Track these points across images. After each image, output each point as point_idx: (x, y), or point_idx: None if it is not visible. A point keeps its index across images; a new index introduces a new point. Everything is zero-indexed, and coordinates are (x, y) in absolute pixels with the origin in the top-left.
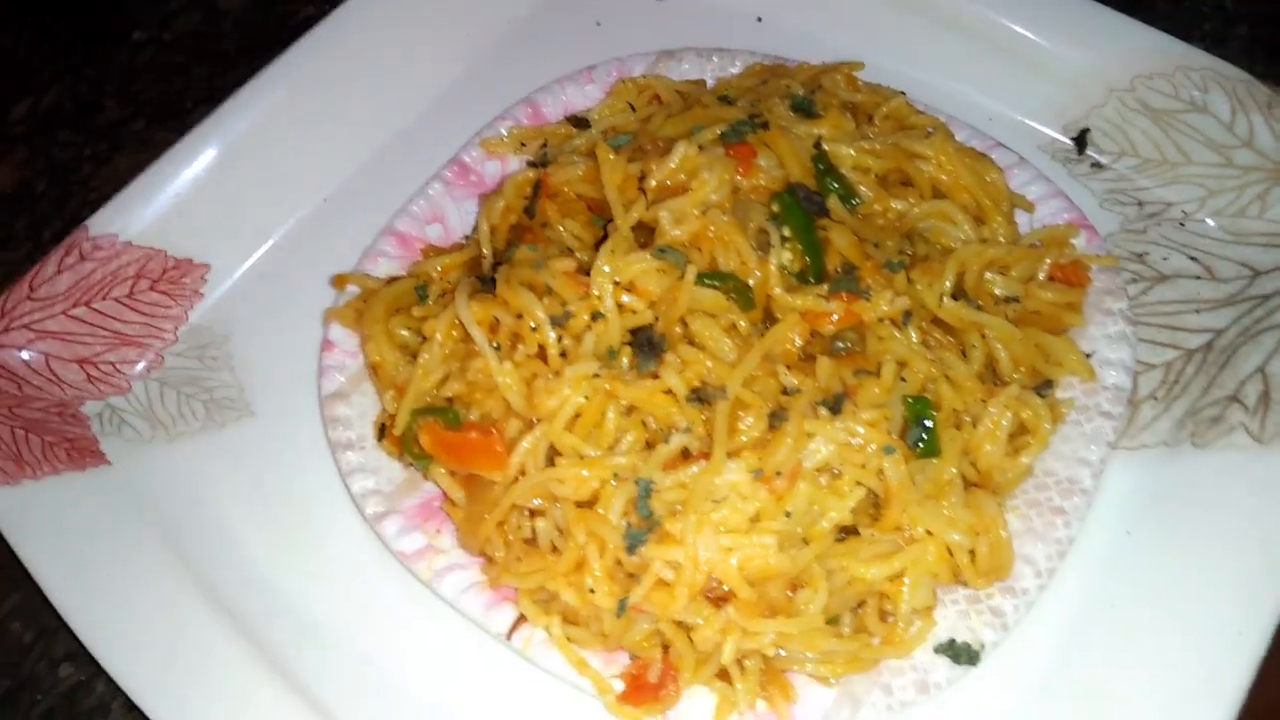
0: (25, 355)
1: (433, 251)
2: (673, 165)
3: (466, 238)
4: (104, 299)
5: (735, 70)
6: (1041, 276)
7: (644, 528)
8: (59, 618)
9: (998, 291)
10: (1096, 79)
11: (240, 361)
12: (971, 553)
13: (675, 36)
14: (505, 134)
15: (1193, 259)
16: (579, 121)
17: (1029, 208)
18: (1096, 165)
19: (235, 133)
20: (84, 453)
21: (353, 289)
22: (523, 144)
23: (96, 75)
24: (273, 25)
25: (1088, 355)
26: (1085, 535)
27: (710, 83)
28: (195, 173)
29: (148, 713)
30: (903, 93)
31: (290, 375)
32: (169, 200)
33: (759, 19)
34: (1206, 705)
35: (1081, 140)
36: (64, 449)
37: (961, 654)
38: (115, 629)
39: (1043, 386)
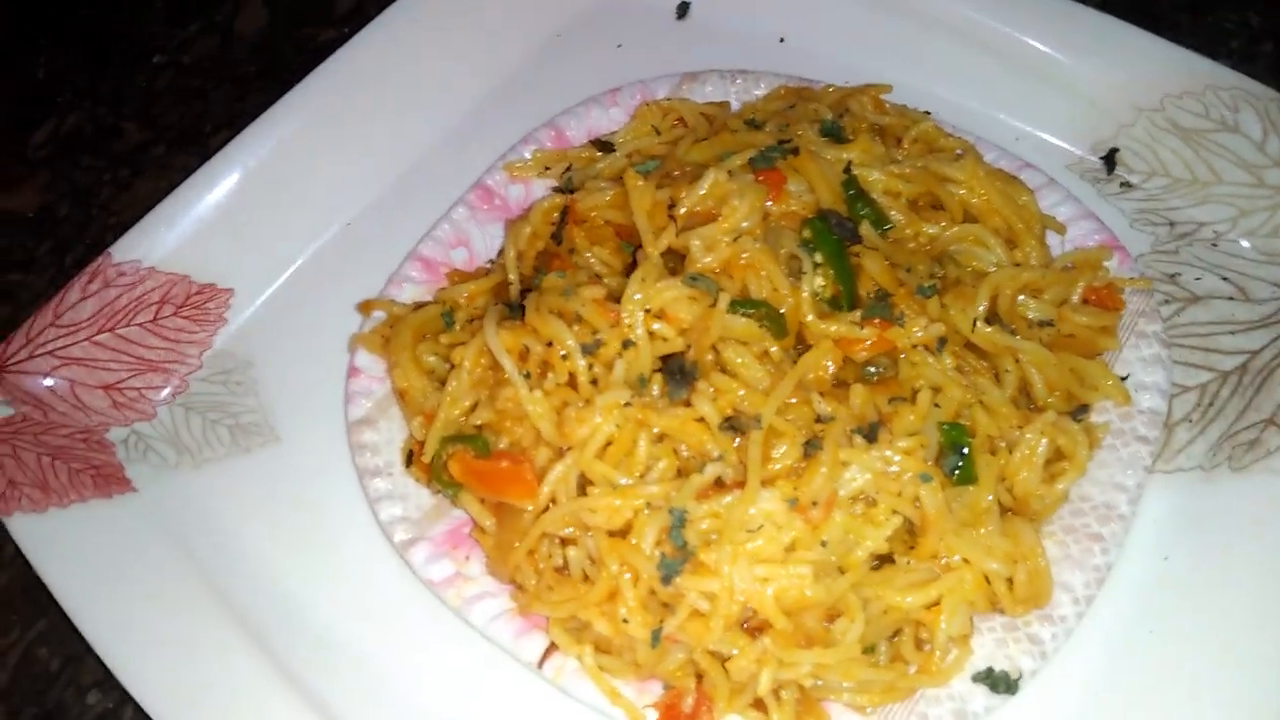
0: (50, 382)
1: (458, 276)
2: (702, 192)
3: (491, 262)
4: (128, 325)
5: (759, 92)
6: (1075, 299)
7: (678, 558)
8: (86, 645)
9: (1031, 315)
10: (1125, 98)
11: (265, 387)
12: (1009, 580)
13: (698, 58)
14: (529, 157)
15: (1225, 280)
16: (603, 145)
17: (1060, 230)
18: (1126, 185)
19: (257, 157)
20: (110, 480)
21: (378, 314)
22: (547, 167)
23: (116, 99)
24: (291, 49)
25: (1122, 379)
26: (1123, 561)
27: (734, 105)
28: (218, 198)
29: None
30: (929, 114)
31: (316, 401)
32: (192, 226)
33: (781, 40)
34: None
35: (1111, 160)
36: (90, 476)
37: (999, 683)
38: (143, 656)
39: (1078, 411)
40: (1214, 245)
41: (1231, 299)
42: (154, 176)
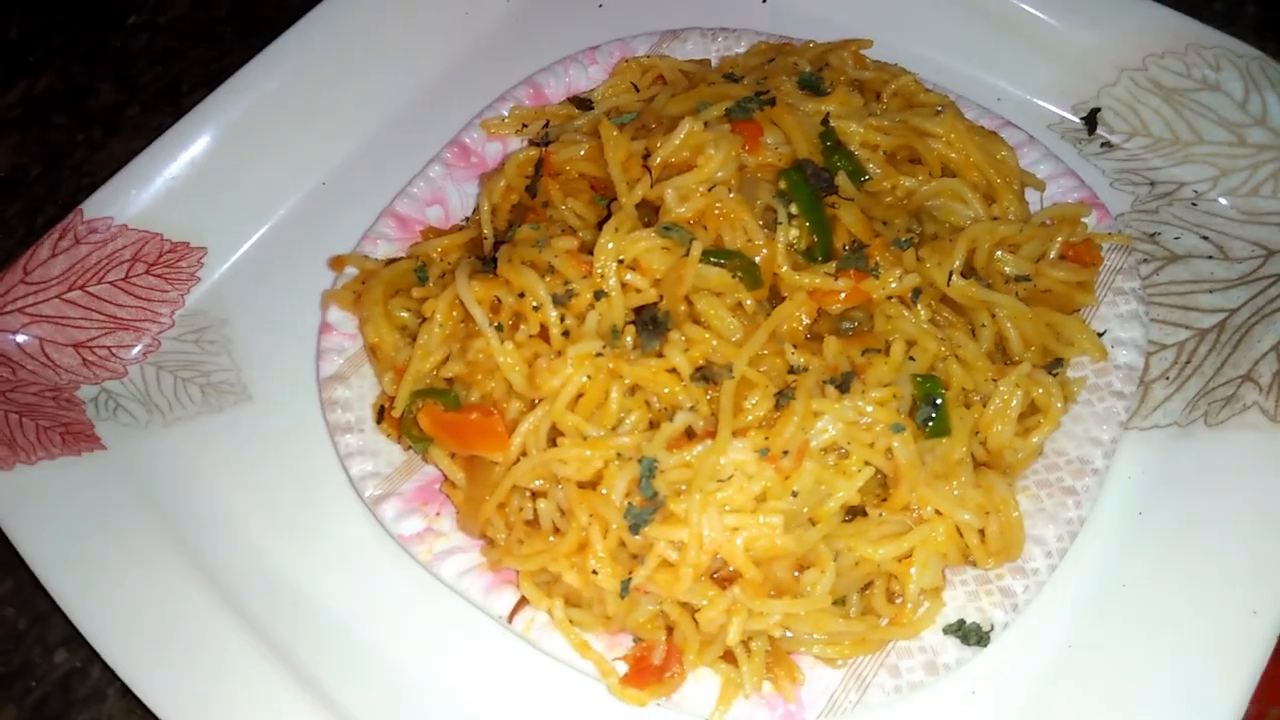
0: (19, 339)
1: (432, 233)
2: (677, 142)
3: (467, 219)
4: (99, 282)
5: (740, 50)
6: (1053, 255)
7: (648, 508)
8: (53, 603)
9: (1008, 270)
10: (1107, 58)
11: (238, 345)
12: (981, 533)
13: (680, 18)
14: (507, 115)
15: (1205, 238)
16: (581, 102)
17: (1039, 186)
18: (1107, 145)
19: (232, 115)
20: (79, 437)
21: (351, 271)
22: (524, 125)
23: (91, 59)
24: (269, 9)
25: (1099, 334)
26: (1096, 516)
27: (715, 63)
28: (192, 155)
29: (143, 698)
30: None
31: (288, 358)
32: (165, 183)
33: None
34: (1220, 685)
35: (1092, 120)
36: (59, 434)
37: (971, 635)
38: (111, 614)
39: (1053, 365)
40: (1194, 204)
41: (1211, 258)
42: (128, 137)
